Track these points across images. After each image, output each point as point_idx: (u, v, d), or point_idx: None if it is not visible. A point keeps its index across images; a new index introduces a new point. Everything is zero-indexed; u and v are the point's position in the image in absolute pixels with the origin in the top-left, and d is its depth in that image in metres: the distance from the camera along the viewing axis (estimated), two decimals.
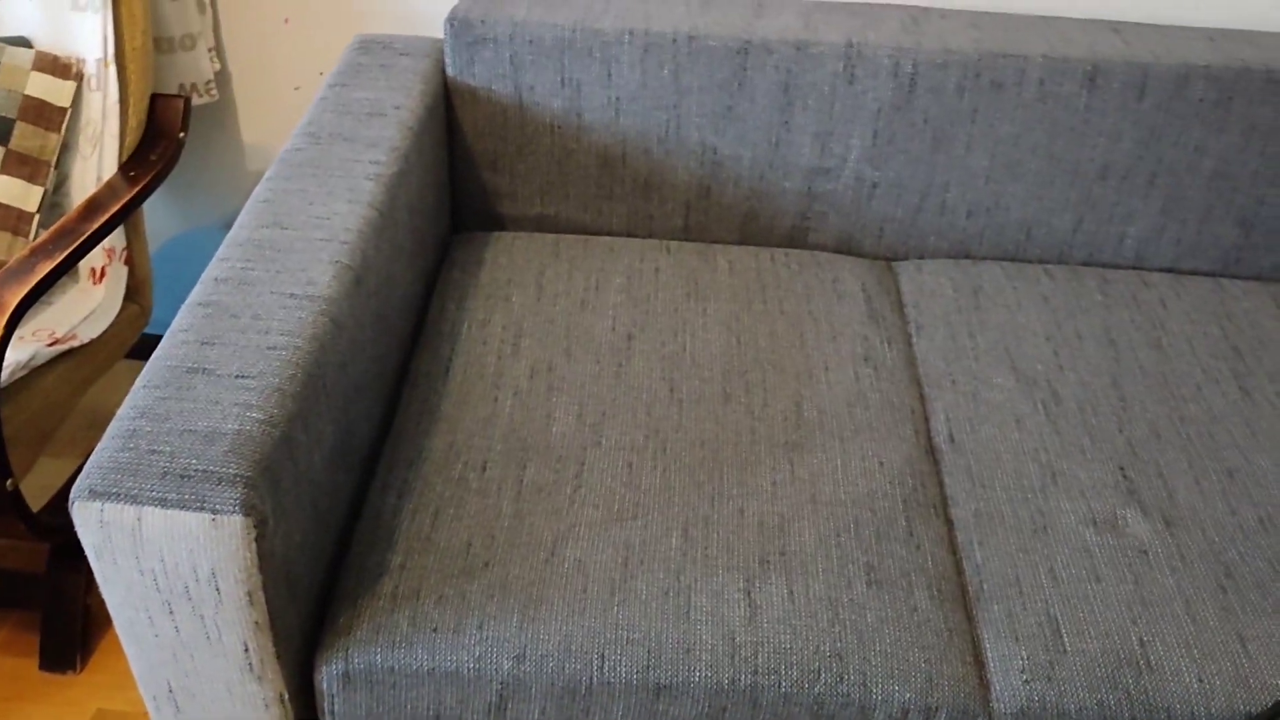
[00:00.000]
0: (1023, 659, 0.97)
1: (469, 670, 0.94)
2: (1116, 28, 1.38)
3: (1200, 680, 0.96)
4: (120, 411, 0.89)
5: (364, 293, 1.08)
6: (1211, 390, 1.24)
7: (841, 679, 0.95)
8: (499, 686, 0.94)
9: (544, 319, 1.27)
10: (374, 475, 1.11)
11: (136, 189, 1.33)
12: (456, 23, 1.35)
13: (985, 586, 1.03)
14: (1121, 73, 1.32)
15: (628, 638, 0.95)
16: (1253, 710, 0.95)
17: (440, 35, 1.51)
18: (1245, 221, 1.41)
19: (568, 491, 1.07)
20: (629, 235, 1.45)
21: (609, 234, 1.45)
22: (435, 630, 0.95)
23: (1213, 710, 0.95)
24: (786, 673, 0.95)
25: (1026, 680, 0.96)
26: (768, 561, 1.02)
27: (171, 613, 0.89)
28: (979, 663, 0.99)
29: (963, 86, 1.33)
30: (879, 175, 1.39)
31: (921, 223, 1.42)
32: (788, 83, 1.34)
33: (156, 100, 1.42)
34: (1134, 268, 1.44)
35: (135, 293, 1.45)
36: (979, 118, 1.35)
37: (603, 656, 0.94)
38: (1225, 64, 1.32)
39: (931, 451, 1.18)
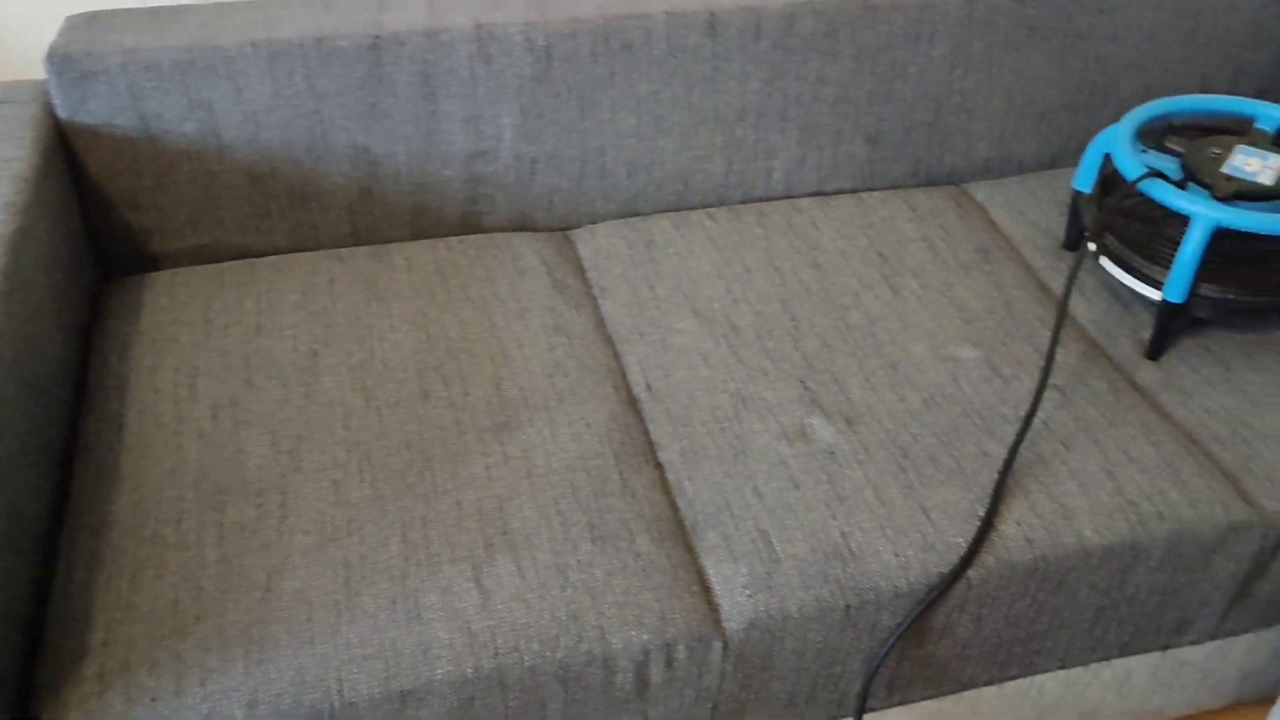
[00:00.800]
0: (743, 575, 1.03)
1: None
2: None
3: (897, 555, 1.05)
4: None
5: (3, 364, 0.98)
6: (867, 295, 1.36)
7: (581, 639, 0.97)
8: None
9: (218, 353, 1.21)
10: (57, 553, 1.02)
11: None
12: (58, 59, 1.25)
13: (700, 517, 1.09)
14: (737, 19, 1.40)
15: (362, 655, 0.93)
16: (944, 570, 1.05)
17: (43, 76, 1.39)
18: (871, 138, 1.54)
19: (274, 524, 1.03)
20: (296, 250, 1.40)
21: (274, 253, 1.40)
22: (154, 699, 0.89)
23: (911, 579, 1.04)
24: (528, 647, 0.96)
25: (750, 594, 1.02)
26: (492, 545, 1.03)
27: None
28: (706, 589, 1.04)
29: (596, 52, 1.37)
30: (536, 149, 1.41)
31: (587, 189, 1.46)
32: (426, 72, 1.33)
33: None
34: (785, 197, 1.55)
35: None
36: (617, 80, 1.40)
37: (340, 679, 0.92)
38: None
39: (633, 403, 1.22)
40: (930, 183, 1.60)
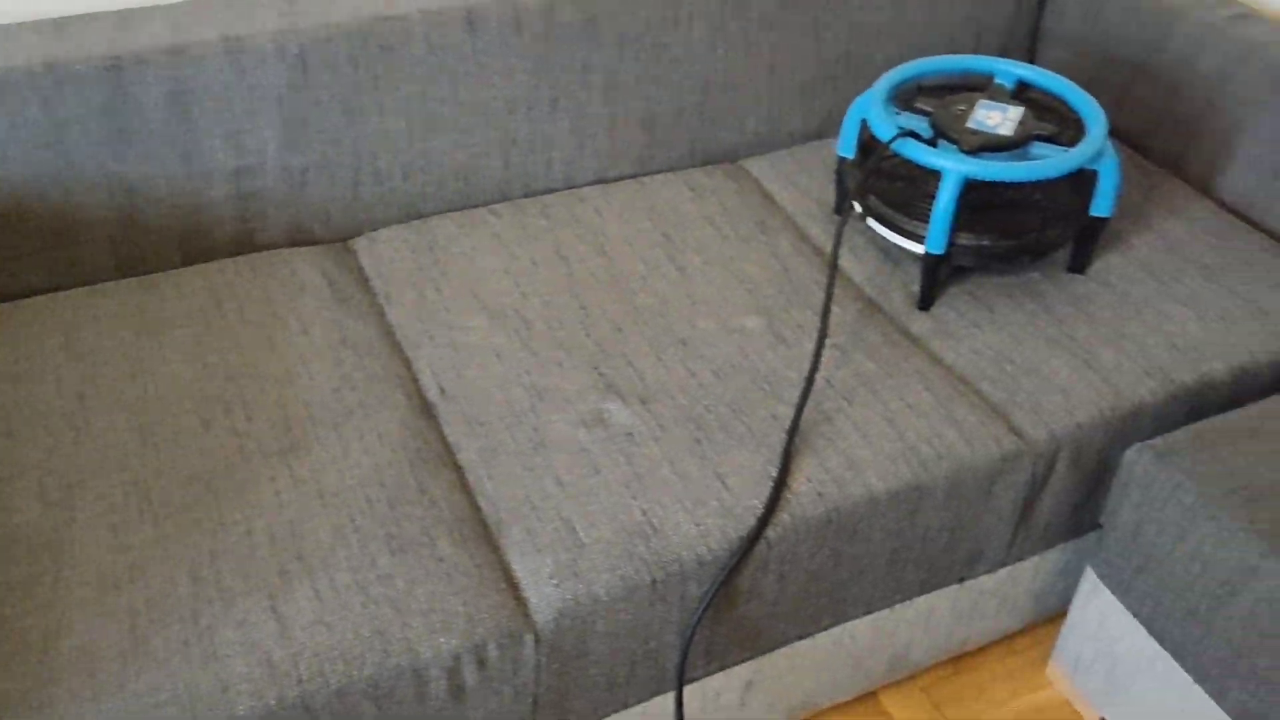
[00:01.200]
0: (549, 566, 1.04)
1: None
2: None
3: (697, 525, 1.08)
4: None
5: None
6: (654, 277, 1.38)
7: (388, 654, 0.95)
8: None
9: None
10: None
11: None
12: None
13: (502, 515, 1.08)
14: (495, 13, 1.40)
15: (155, 703, 0.89)
16: (743, 534, 1.08)
17: None
18: (645, 122, 1.56)
19: (48, 581, 0.97)
20: (55, 290, 1.32)
21: (30, 294, 1.31)
22: None
23: (712, 546, 1.07)
24: (332, 670, 0.94)
25: (556, 584, 1.02)
26: (287, 571, 1.00)
27: None
28: (513, 585, 1.04)
29: (355, 57, 1.34)
30: (305, 160, 1.38)
31: (364, 195, 1.43)
32: (176, 90, 1.27)
33: None
34: (567, 188, 1.56)
35: None
36: (381, 83, 1.37)
37: None
38: None
39: (426, 408, 1.20)
40: (707, 161, 1.64)
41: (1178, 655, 1.19)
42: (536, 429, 1.16)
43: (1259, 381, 1.32)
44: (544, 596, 1.02)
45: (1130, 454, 1.21)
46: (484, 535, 1.07)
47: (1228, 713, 1.14)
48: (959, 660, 1.44)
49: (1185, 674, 1.19)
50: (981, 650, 1.45)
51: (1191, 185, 1.62)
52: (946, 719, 1.38)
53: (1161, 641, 1.21)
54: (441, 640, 0.97)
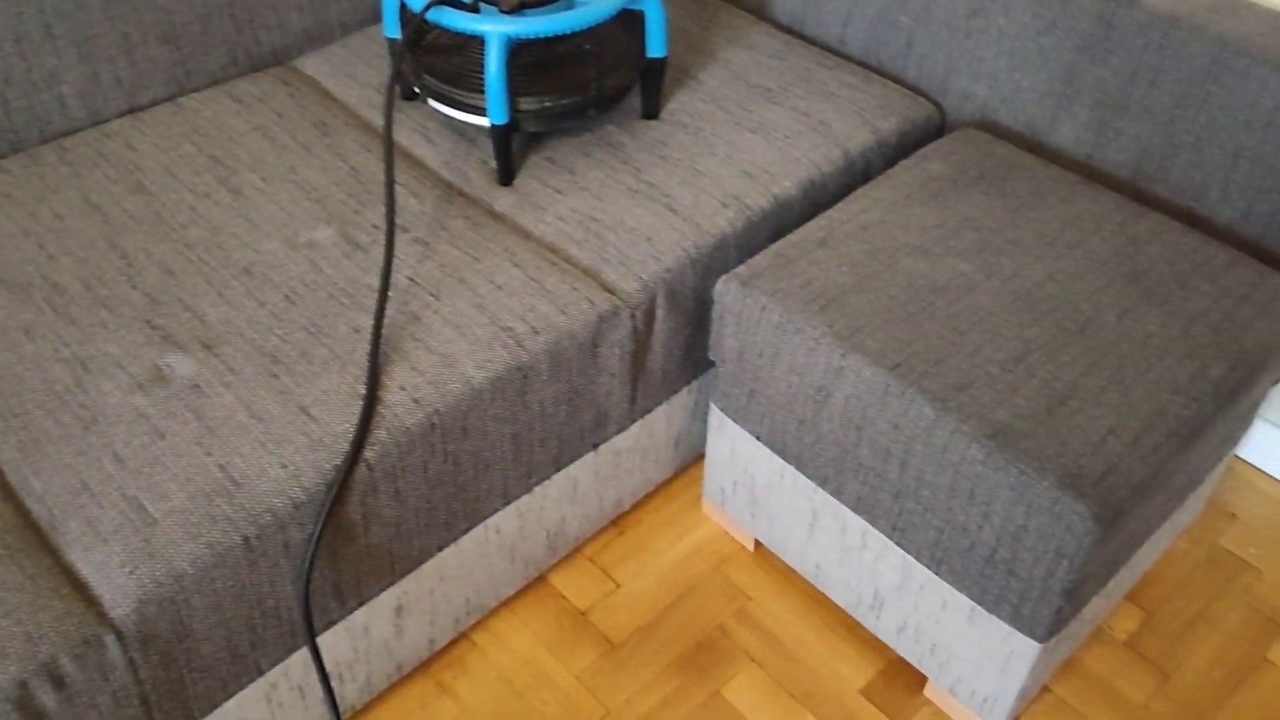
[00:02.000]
0: (119, 554, 0.92)
1: None
2: None
3: (284, 466, 0.99)
4: None
5: None
6: (205, 206, 1.24)
7: None
8: None
9: None
10: None
11: None
12: None
13: (55, 511, 0.95)
14: None
15: None
16: (338, 463, 1.00)
17: None
18: (167, 37, 1.39)
19: None
20: None
21: None
22: None
23: (306, 485, 0.99)
24: None
25: (130, 571, 0.91)
26: None
27: None
28: (79, 586, 0.91)
29: None
30: None
31: None
32: None
33: None
34: (93, 124, 1.37)
35: None
36: None
37: None
38: None
39: None
40: (255, 68, 1.49)
41: (799, 465, 1.24)
42: (85, 406, 1.02)
43: (827, 192, 1.37)
44: (118, 589, 0.90)
45: (719, 286, 1.22)
46: (37, 540, 0.94)
47: (848, 506, 1.21)
48: (619, 521, 1.45)
49: (808, 480, 1.24)
50: (639, 506, 1.47)
51: (749, 12, 1.64)
52: (617, 580, 1.39)
53: (784, 456, 1.25)
54: None
